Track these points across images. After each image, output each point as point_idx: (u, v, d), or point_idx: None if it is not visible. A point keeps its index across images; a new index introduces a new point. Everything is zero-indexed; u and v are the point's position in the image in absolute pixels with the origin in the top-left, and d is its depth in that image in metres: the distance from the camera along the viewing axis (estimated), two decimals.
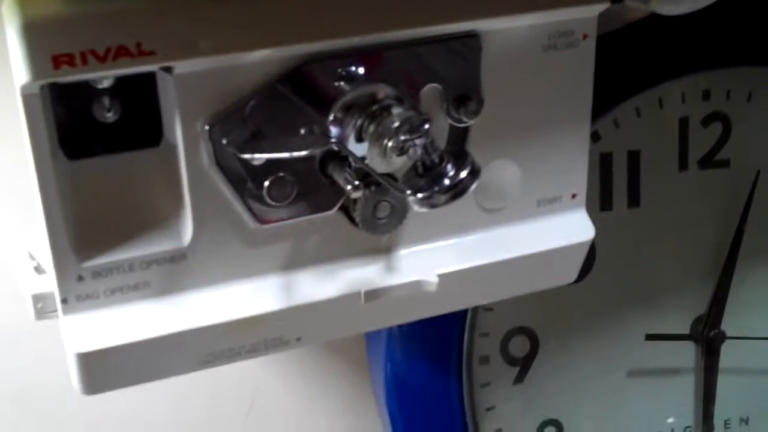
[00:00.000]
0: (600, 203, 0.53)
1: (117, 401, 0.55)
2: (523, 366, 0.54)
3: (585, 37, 0.40)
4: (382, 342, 0.52)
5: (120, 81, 0.34)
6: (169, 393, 0.61)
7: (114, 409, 0.60)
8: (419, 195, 0.34)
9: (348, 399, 0.64)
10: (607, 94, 0.46)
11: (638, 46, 0.51)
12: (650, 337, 0.56)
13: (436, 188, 0.34)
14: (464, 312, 0.51)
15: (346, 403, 0.64)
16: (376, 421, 0.55)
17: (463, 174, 0.34)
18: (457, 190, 0.34)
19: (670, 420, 0.59)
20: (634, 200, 0.54)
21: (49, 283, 0.38)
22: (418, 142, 0.34)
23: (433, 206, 0.34)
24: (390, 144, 0.35)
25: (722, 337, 0.56)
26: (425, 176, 0.34)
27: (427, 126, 0.34)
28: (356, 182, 0.35)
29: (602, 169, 0.53)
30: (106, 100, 0.35)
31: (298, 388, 0.63)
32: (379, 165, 0.36)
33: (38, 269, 0.39)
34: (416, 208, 0.34)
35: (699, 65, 0.52)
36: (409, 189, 0.34)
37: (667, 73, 0.52)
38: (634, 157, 0.53)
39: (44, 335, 0.48)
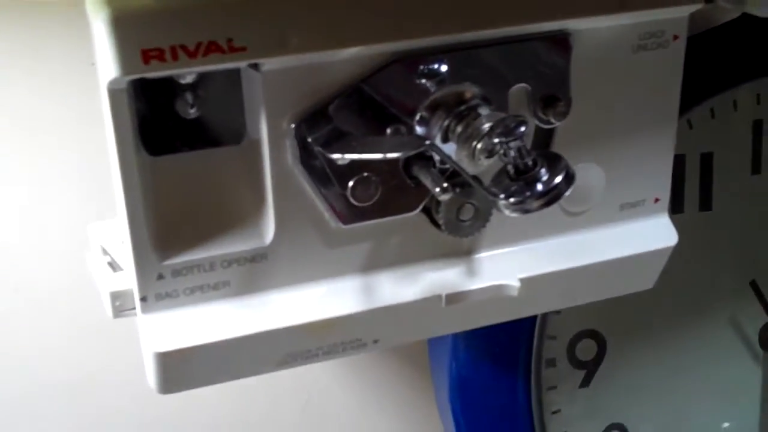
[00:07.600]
0: (672, 206, 0.52)
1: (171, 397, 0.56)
2: (590, 369, 0.53)
3: (675, 38, 0.39)
4: (446, 342, 0.51)
5: (202, 76, 0.34)
6: (223, 387, 0.60)
7: (168, 404, 0.59)
8: (512, 200, 0.33)
9: (407, 399, 0.63)
10: (683, 96, 0.45)
11: (713, 49, 0.50)
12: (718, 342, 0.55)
13: (529, 193, 0.33)
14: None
15: (406, 404, 0.63)
16: (437, 423, 0.54)
17: (558, 179, 0.33)
18: (552, 195, 0.33)
19: (726, 425, 0.58)
20: (705, 203, 0.53)
21: (125, 280, 0.37)
22: (512, 145, 0.33)
23: (525, 212, 0.33)
24: (479, 146, 0.34)
25: None
26: (518, 180, 0.33)
27: (523, 129, 0.33)
28: (444, 185, 0.34)
29: (675, 171, 0.51)
30: (189, 96, 0.34)
31: (354, 387, 0.63)
32: (465, 167, 0.35)
33: (113, 265, 0.39)
34: (507, 212, 0.33)
35: None
36: (501, 193, 0.33)
37: (743, 76, 0.51)
38: (706, 160, 0.52)
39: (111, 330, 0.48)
